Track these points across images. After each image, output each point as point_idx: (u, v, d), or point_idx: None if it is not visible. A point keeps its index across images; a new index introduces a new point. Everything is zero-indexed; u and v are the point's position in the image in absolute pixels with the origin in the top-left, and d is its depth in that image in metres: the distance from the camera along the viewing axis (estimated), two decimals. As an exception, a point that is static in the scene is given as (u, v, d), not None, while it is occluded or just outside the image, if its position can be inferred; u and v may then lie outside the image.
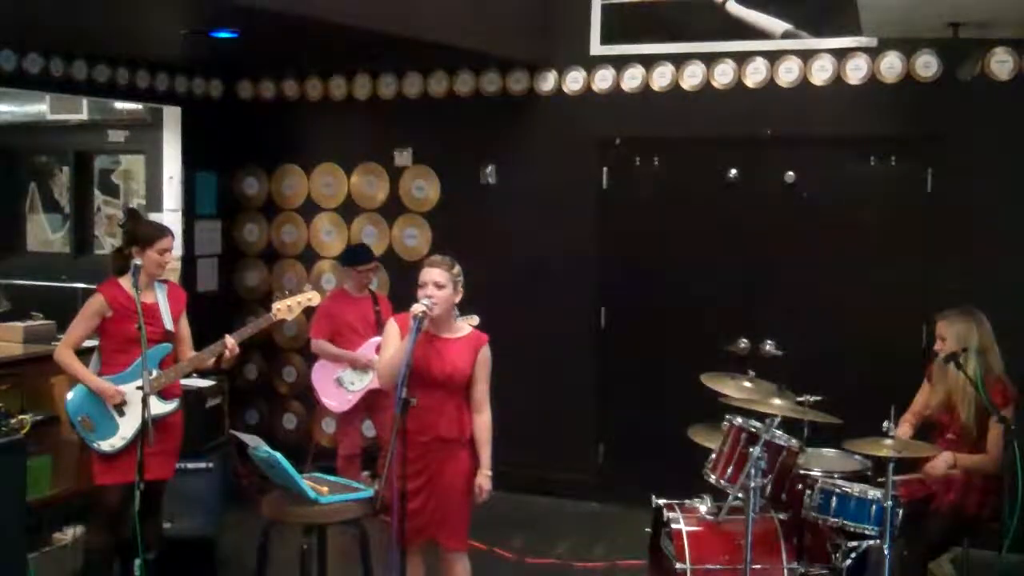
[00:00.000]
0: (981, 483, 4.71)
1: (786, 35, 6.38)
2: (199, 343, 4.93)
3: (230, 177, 7.95)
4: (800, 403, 4.82)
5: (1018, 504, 4.31)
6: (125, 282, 4.71)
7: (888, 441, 4.41)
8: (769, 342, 6.47)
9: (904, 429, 4.94)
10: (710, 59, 6.53)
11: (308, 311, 5.34)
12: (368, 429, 6.75)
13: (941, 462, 4.69)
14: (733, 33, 6.46)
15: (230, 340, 4.81)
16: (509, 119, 7.08)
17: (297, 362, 7.82)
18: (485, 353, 4.31)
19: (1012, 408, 4.70)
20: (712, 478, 4.72)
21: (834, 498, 4.55)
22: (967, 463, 4.70)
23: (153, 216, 7.27)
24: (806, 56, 6.32)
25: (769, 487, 4.57)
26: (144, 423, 4.46)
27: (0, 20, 5.48)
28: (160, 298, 4.84)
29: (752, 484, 4.43)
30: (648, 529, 5.02)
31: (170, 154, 7.60)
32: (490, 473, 4.31)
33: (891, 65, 6.14)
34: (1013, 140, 5.94)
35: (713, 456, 4.76)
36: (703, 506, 4.77)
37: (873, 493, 4.52)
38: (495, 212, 7.14)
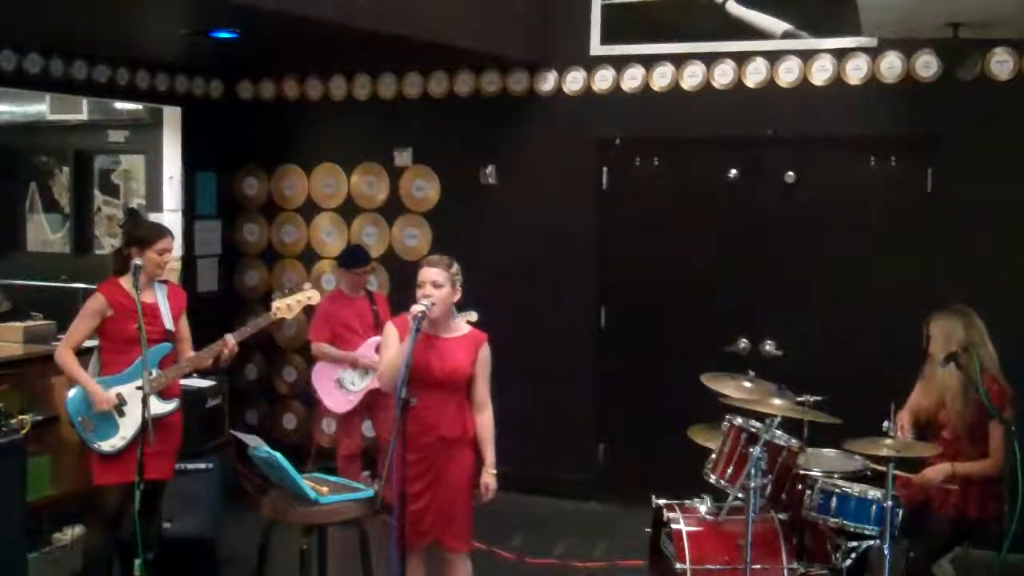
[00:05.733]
0: (981, 486, 4.69)
1: (786, 35, 6.38)
2: (199, 343, 4.93)
3: (230, 177, 7.95)
4: (800, 403, 4.82)
5: (1018, 506, 4.31)
6: (125, 282, 4.72)
7: (888, 441, 4.41)
8: (769, 342, 6.47)
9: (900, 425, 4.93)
10: (710, 59, 6.53)
11: (308, 310, 5.34)
12: (368, 429, 6.75)
13: (938, 472, 4.69)
14: (733, 33, 6.46)
15: (231, 339, 4.82)
16: (509, 119, 7.08)
17: (297, 362, 7.82)
18: (485, 352, 4.32)
19: (1010, 409, 4.69)
20: (712, 478, 4.72)
21: (834, 498, 4.55)
22: (966, 471, 4.68)
23: (153, 216, 7.27)
24: (806, 56, 6.32)
25: (769, 487, 4.57)
26: (144, 423, 4.46)
27: (0, 20, 5.48)
28: (160, 298, 4.85)
29: (752, 484, 4.43)
30: (648, 529, 5.01)
31: (170, 154, 7.60)
32: (495, 471, 4.33)
33: (891, 65, 6.14)
34: (1013, 140, 5.94)
35: (713, 456, 4.76)
36: (703, 506, 4.77)
37: (873, 493, 4.52)
38: (495, 212, 7.14)
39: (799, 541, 4.73)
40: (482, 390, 4.34)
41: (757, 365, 5.60)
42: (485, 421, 4.34)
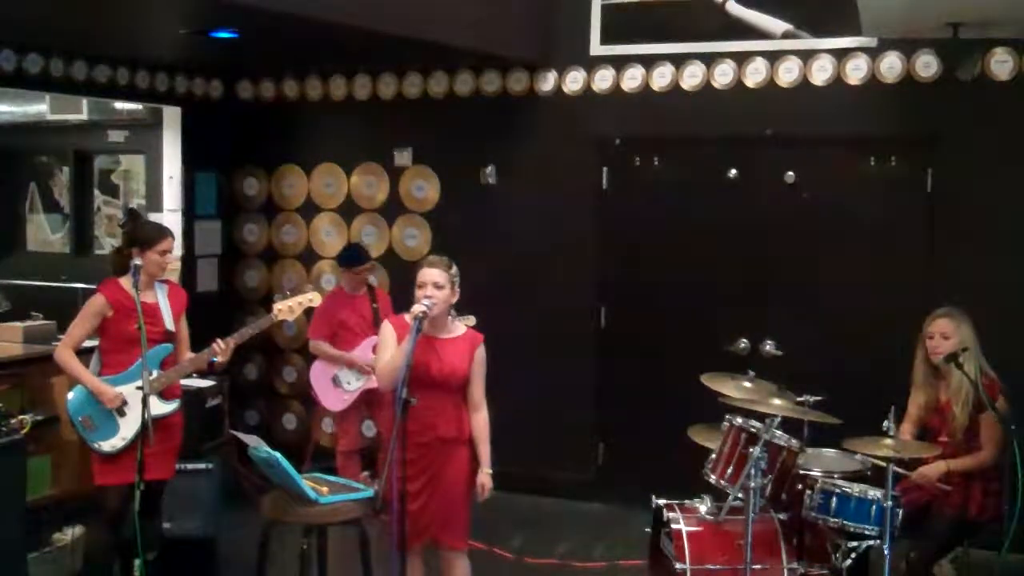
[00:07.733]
0: (981, 485, 4.70)
1: (786, 35, 6.38)
2: (199, 343, 4.91)
3: (230, 177, 7.96)
4: (800, 403, 4.82)
5: (1018, 506, 4.32)
6: (126, 282, 4.71)
7: (888, 441, 4.42)
8: (769, 342, 6.47)
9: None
10: (710, 59, 6.53)
11: (309, 311, 5.34)
12: (368, 428, 6.75)
13: (934, 470, 4.69)
14: (733, 33, 6.46)
15: (220, 344, 4.79)
16: (509, 119, 7.08)
17: (297, 362, 7.82)
18: (481, 353, 4.34)
19: (1003, 400, 4.70)
20: (712, 478, 4.72)
21: (834, 498, 4.55)
22: (962, 467, 4.69)
23: (153, 216, 7.27)
24: (806, 56, 6.32)
25: (769, 487, 4.57)
26: (144, 423, 4.46)
27: (0, 20, 5.48)
28: (160, 298, 4.84)
29: (752, 484, 4.44)
30: (648, 529, 5.02)
31: (170, 154, 7.61)
32: (491, 471, 4.33)
33: (891, 65, 6.14)
34: (1013, 140, 5.94)
35: (713, 456, 4.76)
36: (703, 506, 4.77)
37: (873, 493, 4.53)
38: (495, 212, 7.13)
39: (799, 541, 4.73)
40: (478, 390, 4.35)
41: (757, 365, 5.60)
42: (481, 421, 4.35)
